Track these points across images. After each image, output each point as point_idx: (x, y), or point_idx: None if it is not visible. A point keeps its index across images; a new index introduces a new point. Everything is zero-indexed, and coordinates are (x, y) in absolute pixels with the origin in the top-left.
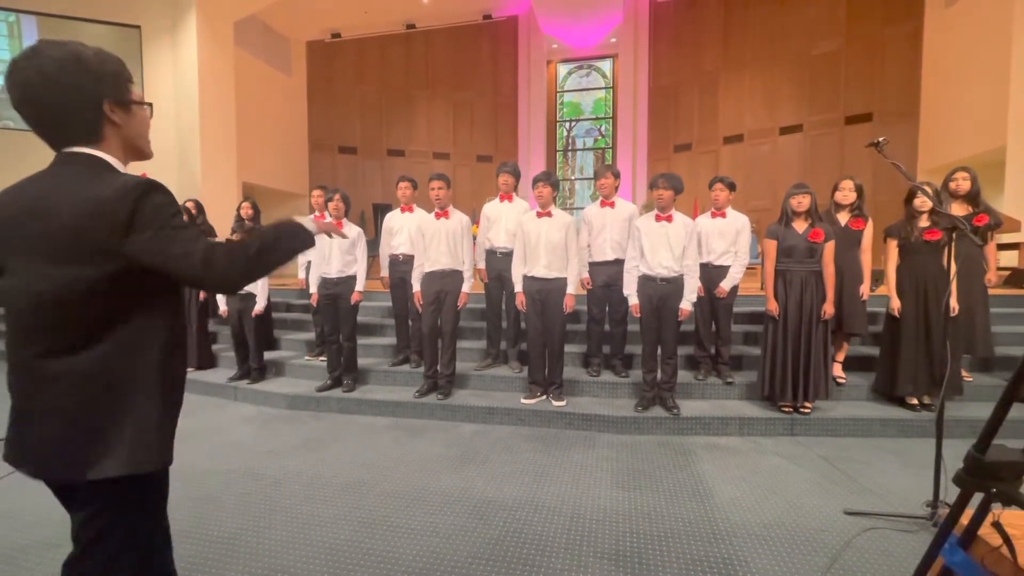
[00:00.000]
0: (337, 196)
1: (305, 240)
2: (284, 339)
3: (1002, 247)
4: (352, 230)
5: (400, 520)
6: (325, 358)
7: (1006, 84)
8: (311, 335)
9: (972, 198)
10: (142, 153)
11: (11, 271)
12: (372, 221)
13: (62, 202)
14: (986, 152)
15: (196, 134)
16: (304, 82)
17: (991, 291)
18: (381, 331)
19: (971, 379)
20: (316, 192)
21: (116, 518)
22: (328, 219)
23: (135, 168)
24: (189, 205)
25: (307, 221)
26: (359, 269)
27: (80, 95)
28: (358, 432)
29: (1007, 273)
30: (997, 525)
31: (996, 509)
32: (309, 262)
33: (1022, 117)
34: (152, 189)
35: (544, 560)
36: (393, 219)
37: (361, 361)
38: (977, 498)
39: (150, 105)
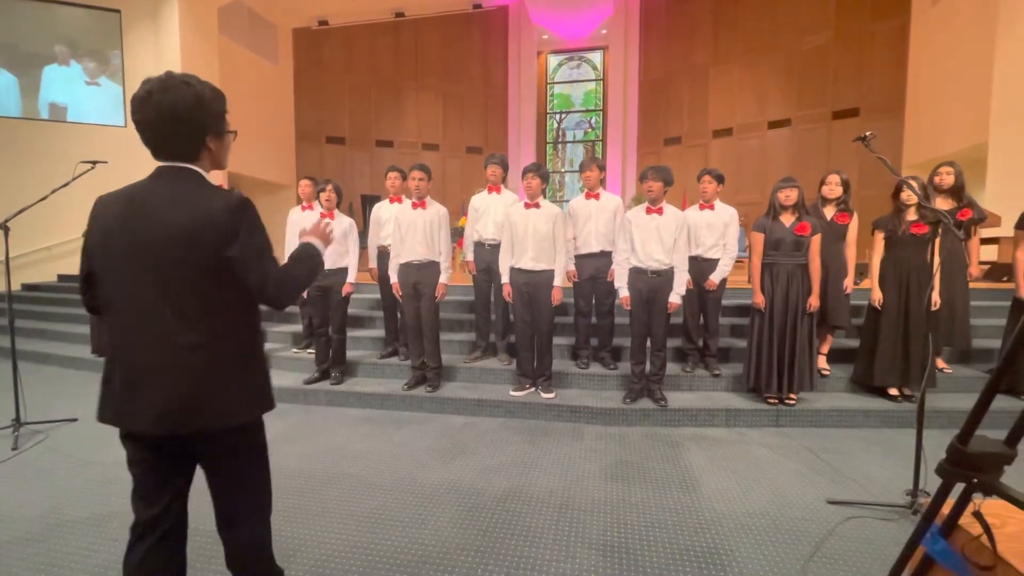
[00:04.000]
0: (329, 187)
1: (317, 260)
2: (270, 331)
3: (983, 241)
4: (344, 221)
5: (388, 512)
6: (313, 350)
7: (988, 82)
8: (298, 327)
9: (956, 192)
10: (222, 167)
11: (125, 265)
12: (360, 212)
13: (177, 208)
14: (968, 148)
15: None
16: (291, 70)
17: (971, 284)
18: (369, 323)
19: (951, 371)
20: (304, 182)
21: (253, 456)
22: (317, 210)
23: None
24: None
25: (313, 240)
26: (351, 261)
27: (192, 129)
28: (346, 425)
29: (987, 267)
30: (978, 515)
31: (977, 499)
32: None
33: (1003, 114)
34: (251, 205)
35: (533, 551)
36: (382, 210)
37: (349, 354)
38: (958, 488)
39: (235, 133)
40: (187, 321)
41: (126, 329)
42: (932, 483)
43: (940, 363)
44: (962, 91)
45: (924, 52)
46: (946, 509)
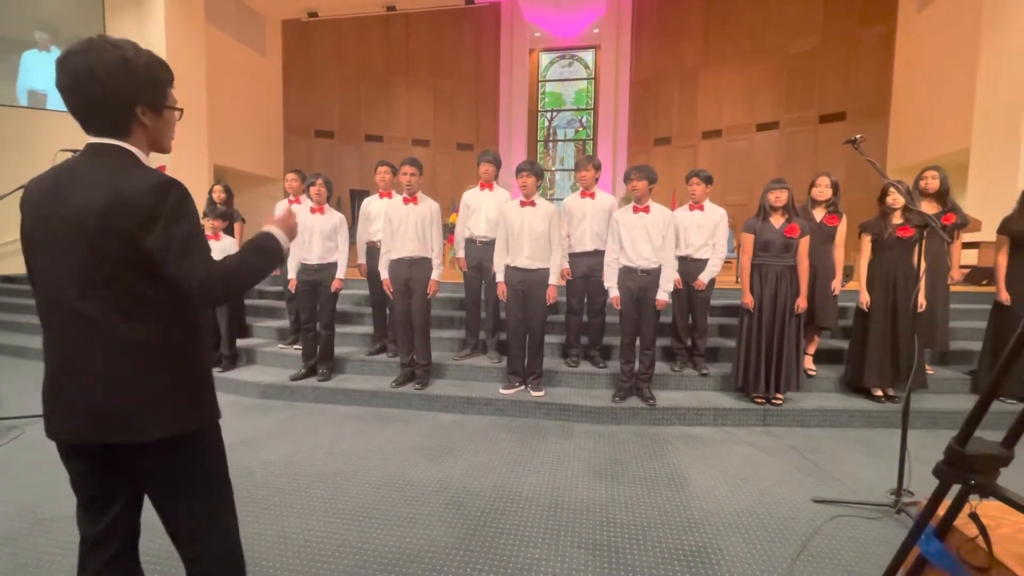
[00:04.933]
0: (319, 181)
1: (278, 252)
2: (256, 326)
3: (963, 246)
4: (334, 216)
5: (376, 511)
6: (300, 346)
7: (972, 89)
8: (284, 323)
9: (941, 197)
10: (162, 149)
11: (44, 252)
12: (349, 207)
13: (93, 191)
14: (951, 154)
15: None
16: (279, 62)
17: (951, 288)
18: (358, 319)
19: (932, 372)
20: (290, 176)
21: (192, 473)
22: (305, 204)
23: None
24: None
25: (276, 231)
26: (340, 256)
27: (117, 97)
28: (334, 422)
29: (967, 271)
30: (974, 516)
31: (973, 500)
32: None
33: (986, 121)
34: (174, 188)
35: (522, 550)
36: (371, 205)
37: (337, 350)
38: (951, 489)
39: (181, 110)
40: (108, 320)
41: (49, 327)
42: (916, 483)
43: (920, 364)
44: (946, 98)
45: (909, 58)
46: (941, 511)
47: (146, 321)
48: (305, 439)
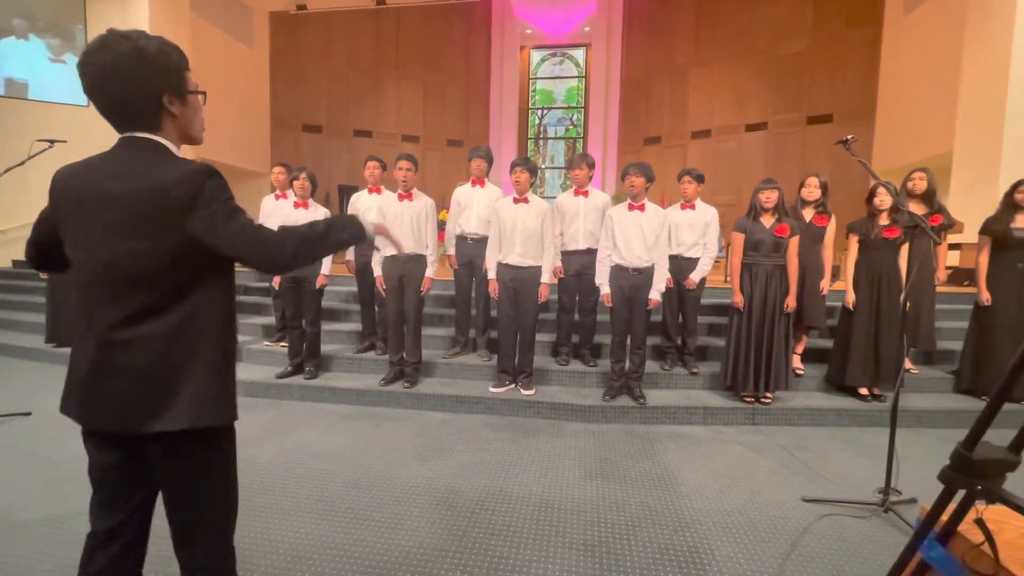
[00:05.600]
0: (303, 175)
1: (355, 232)
2: (242, 324)
3: (947, 247)
4: (318, 211)
5: (364, 511)
6: (286, 344)
7: (955, 92)
8: (270, 319)
9: (928, 198)
10: (194, 140)
11: (78, 244)
12: (337, 203)
13: (130, 183)
14: (934, 156)
15: None
16: (267, 55)
17: (936, 288)
18: (346, 316)
19: (917, 371)
20: (277, 169)
21: (211, 469)
22: (291, 198)
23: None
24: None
25: (366, 221)
26: None
27: (142, 88)
28: (320, 421)
29: (950, 271)
30: (980, 522)
31: (979, 505)
32: None
33: (968, 125)
34: (213, 174)
35: (512, 551)
36: (360, 200)
37: (324, 347)
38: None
39: (204, 93)
40: (144, 311)
41: (83, 315)
42: (902, 481)
43: (908, 364)
44: (930, 101)
45: (894, 61)
46: (944, 516)
47: (184, 312)
48: (291, 438)
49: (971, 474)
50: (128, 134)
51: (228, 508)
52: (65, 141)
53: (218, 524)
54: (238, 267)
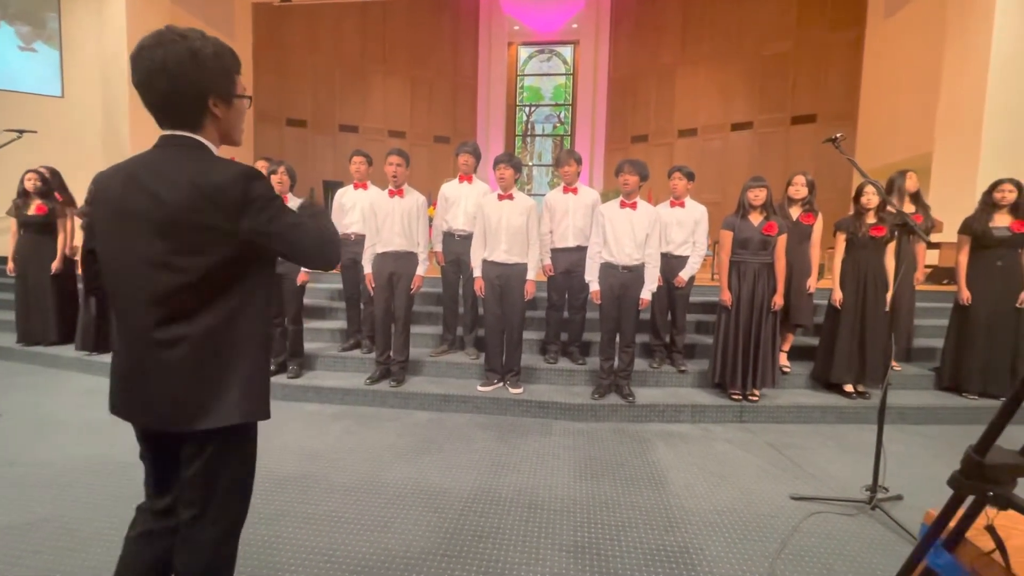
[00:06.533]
0: (281, 169)
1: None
2: None
3: (927, 246)
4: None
5: (348, 514)
6: None
7: (936, 94)
8: None
9: (915, 197)
10: (234, 142)
11: (117, 246)
12: (323, 199)
13: (173, 184)
14: (915, 157)
15: (124, 98)
16: (249, 47)
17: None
18: (331, 314)
19: (900, 368)
20: (260, 163)
21: (226, 464)
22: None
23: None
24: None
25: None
26: None
27: (190, 88)
28: (304, 421)
29: (929, 270)
30: (991, 529)
31: (989, 511)
32: None
33: (948, 126)
34: (259, 175)
35: (501, 554)
36: (345, 196)
37: (308, 346)
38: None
39: (250, 98)
40: (188, 309)
41: (122, 316)
42: (888, 479)
43: (892, 361)
44: (911, 103)
45: (877, 64)
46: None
47: (228, 309)
48: (273, 439)
49: (983, 480)
50: (168, 132)
51: (244, 503)
52: (35, 131)
53: (232, 517)
54: None
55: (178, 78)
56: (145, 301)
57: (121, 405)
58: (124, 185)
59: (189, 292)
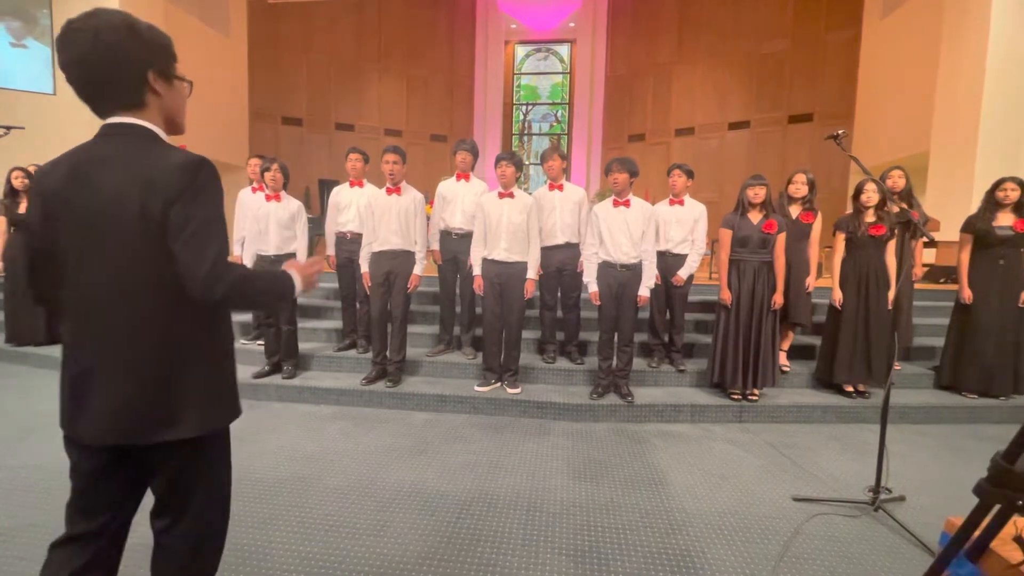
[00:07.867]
0: (275, 166)
1: (285, 295)
2: None
3: (923, 244)
4: (292, 204)
5: (344, 518)
6: (262, 342)
7: (932, 93)
8: (246, 316)
9: (905, 196)
10: (178, 127)
11: (65, 248)
12: (318, 197)
13: (122, 174)
14: (911, 156)
15: None
16: (244, 45)
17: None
18: (327, 314)
19: (900, 367)
20: (253, 161)
21: (197, 471)
22: (267, 191)
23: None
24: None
25: (295, 275)
26: (299, 245)
27: (128, 61)
28: (299, 422)
29: (926, 269)
30: (1020, 540)
31: (1019, 521)
32: (244, 238)
33: (944, 126)
34: (207, 166)
35: (500, 558)
36: (341, 194)
37: (303, 346)
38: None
39: (191, 83)
40: (140, 313)
41: (73, 322)
42: (891, 479)
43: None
44: (908, 102)
45: (873, 63)
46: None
47: (180, 313)
48: (267, 441)
49: (1012, 488)
50: (110, 120)
51: (222, 508)
52: (23, 128)
53: (210, 523)
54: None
55: (115, 49)
56: (105, 304)
57: (75, 423)
58: (68, 179)
59: (142, 295)
